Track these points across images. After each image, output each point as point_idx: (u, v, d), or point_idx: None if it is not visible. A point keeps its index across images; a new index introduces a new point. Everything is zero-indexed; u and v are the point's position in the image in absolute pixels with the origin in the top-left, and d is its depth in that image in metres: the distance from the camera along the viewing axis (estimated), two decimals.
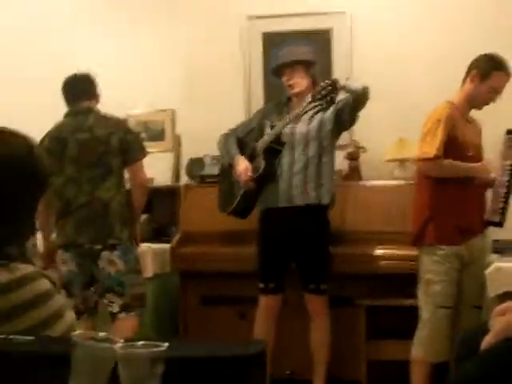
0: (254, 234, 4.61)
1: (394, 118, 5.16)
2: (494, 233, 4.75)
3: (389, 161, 5.14)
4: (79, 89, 4.56)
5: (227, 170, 4.67)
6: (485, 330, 3.13)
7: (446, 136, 4.09)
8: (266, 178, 4.44)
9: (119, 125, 4.53)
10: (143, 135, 5.73)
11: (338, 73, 5.39)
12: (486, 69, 4.17)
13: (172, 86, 5.74)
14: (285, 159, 4.46)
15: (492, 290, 4.22)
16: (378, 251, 4.72)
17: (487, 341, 3.03)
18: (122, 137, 4.42)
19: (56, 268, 4.52)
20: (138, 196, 4.53)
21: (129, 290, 4.41)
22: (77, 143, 4.42)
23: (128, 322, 4.44)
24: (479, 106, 4.29)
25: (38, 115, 5.27)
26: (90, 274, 4.47)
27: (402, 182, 5.00)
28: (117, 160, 4.42)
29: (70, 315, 1.93)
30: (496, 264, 4.31)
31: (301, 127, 4.49)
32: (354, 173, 5.24)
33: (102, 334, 1.46)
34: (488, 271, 4.28)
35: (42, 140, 4.39)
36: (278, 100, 4.79)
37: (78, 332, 1.51)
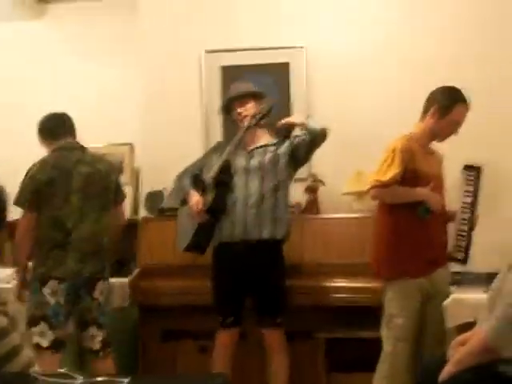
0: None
1: (351, 151, 5.19)
2: (451, 265, 4.80)
3: (346, 194, 5.16)
4: (67, 125, 4.63)
5: (181, 208, 4.65)
6: (443, 361, 3.15)
7: (402, 166, 4.10)
8: (216, 210, 4.41)
9: (113, 165, 4.79)
10: None
11: (297, 105, 5.45)
12: (447, 103, 4.20)
13: (131, 119, 5.73)
14: (239, 191, 4.44)
15: (451, 321, 4.24)
16: (337, 284, 4.73)
17: (447, 371, 3.05)
18: (117, 177, 4.66)
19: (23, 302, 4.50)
20: (118, 234, 4.68)
21: (107, 322, 4.51)
22: (81, 175, 4.46)
23: (108, 361, 4.51)
24: (441, 139, 4.32)
25: None
26: (73, 306, 4.44)
27: (360, 215, 5.03)
28: (111, 197, 4.56)
29: (27, 352, 1.90)
30: (454, 295, 4.34)
31: (255, 160, 4.49)
32: (313, 206, 5.26)
33: (61, 370, 1.44)
34: (446, 302, 4.30)
35: (40, 169, 4.40)
36: (229, 138, 4.77)
37: (36, 369, 1.49)
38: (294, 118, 4.62)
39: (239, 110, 4.51)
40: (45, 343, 4.35)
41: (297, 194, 5.11)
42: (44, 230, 4.42)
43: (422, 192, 4.14)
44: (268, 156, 4.48)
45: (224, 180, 4.42)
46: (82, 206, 4.45)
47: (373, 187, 4.16)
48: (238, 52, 5.54)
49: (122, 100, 6.02)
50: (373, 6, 5.46)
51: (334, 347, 4.68)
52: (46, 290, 4.38)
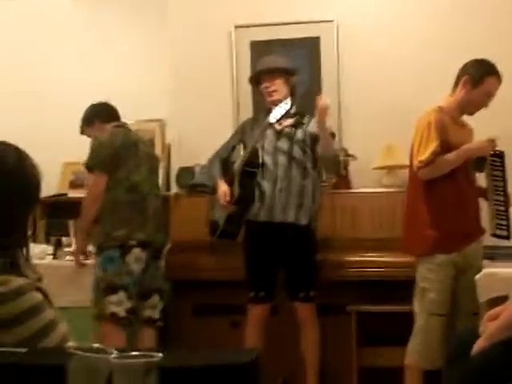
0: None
1: (382, 125, 5.17)
2: (485, 238, 4.78)
3: (376, 168, 5.15)
4: (117, 112, 4.89)
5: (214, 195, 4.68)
6: (476, 335, 3.15)
7: (439, 139, 4.10)
8: (244, 201, 4.44)
9: None
10: None
11: (327, 80, 5.43)
12: (478, 74, 4.19)
13: (161, 95, 5.73)
14: (267, 173, 4.47)
15: (482, 296, 4.23)
16: (368, 258, 4.73)
17: (479, 345, 3.05)
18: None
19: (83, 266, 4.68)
20: None
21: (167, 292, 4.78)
22: (143, 152, 4.70)
23: (156, 332, 4.69)
24: (472, 112, 4.30)
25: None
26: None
27: (390, 190, 5.02)
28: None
29: (62, 327, 1.93)
30: (486, 270, 4.32)
31: (283, 142, 4.51)
32: (344, 181, 5.25)
33: (96, 345, 1.46)
34: (478, 277, 4.29)
35: (113, 136, 4.58)
36: (254, 117, 4.85)
37: (71, 343, 1.51)
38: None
39: (267, 85, 4.51)
40: (122, 313, 4.42)
41: None
42: (120, 193, 4.51)
43: (465, 148, 4.16)
44: (296, 141, 4.50)
45: (251, 170, 4.45)
46: (151, 179, 4.68)
47: (419, 169, 4.15)
48: (267, 27, 5.51)
49: (153, 76, 6.02)
50: None
51: (365, 321, 4.68)
52: (130, 258, 4.44)
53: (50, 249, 5.11)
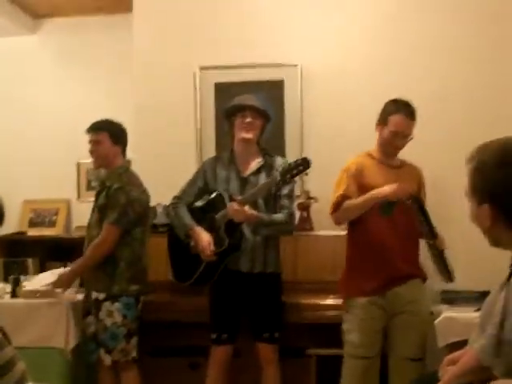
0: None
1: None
2: (441, 283, 4.80)
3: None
4: None
5: (179, 240, 4.61)
6: (434, 380, 3.15)
7: (352, 184, 4.23)
8: (229, 251, 4.38)
9: None
10: (94, 184, 5.86)
11: (290, 122, 5.47)
12: (384, 115, 4.29)
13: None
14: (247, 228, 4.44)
15: (441, 340, 4.25)
16: (329, 301, 4.72)
17: None
18: None
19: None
20: None
21: None
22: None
23: None
24: (391, 152, 4.35)
25: None
26: None
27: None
28: None
29: (21, 365, 1.90)
30: (445, 314, 4.35)
31: (250, 188, 4.46)
32: (306, 223, 5.27)
33: None
34: (437, 321, 4.31)
35: (140, 191, 4.72)
36: (216, 156, 4.80)
37: (30, 383, 1.49)
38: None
39: (249, 120, 4.44)
40: (136, 355, 4.66)
41: None
42: (137, 248, 4.65)
43: (373, 192, 4.16)
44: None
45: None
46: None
47: (331, 214, 4.31)
48: (232, 69, 5.55)
49: (116, 116, 6.01)
50: (366, 23, 5.49)
51: (325, 365, 4.67)
52: (139, 306, 4.66)
53: (8, 287, 5.04)
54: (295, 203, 4.63)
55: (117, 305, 4.55)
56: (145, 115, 5.67)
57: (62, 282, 4.76)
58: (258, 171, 4.49)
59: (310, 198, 5.27)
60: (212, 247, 4.36)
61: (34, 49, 6.39)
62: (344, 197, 4.24)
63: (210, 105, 5.59)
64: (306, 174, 4.29)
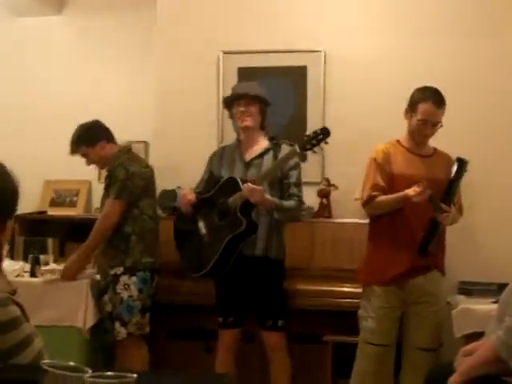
0: None
1: (366, 155, 5.19)
2: (460, 274, 4.79)
3: (358, 199, 5.15)
4: None
5: (184, 231, 4.65)
6: (450, 371, 3.15)
7: (380, 174, 4.24)
8: (247, 233, 4.34)
9: None
10: None
11: (312, 109, 5.46)
12: (412, 103, 4.28)
13: (146, 117, 5.75)
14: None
15: (458, 331, 4.24)
16: (346, 289, 4.73)
17: (453, 380, 3.05)
18: None
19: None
20: None
21: None
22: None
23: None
24: (421, 140, 4.33)
25: None
26: None
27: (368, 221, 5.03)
28: None
29: (38, 343, 1.91)
30: (462, 305, 4.34)
31: (252, 172, 4.49)
32: (325, 210, 5.26)
33: (71, 363, 1.45)
34: (454, 312, 4.31)
35: (141, 165, 4.84)
36: (223, 146, 4.86)
37: (47, 360, 1.50)
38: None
39: (243, 109, 4.51)
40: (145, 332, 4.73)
41: (309, 197, 5.11)
42: (146, 221, 4.75)
43: (398, 196, 4.16)
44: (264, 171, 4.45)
45: (251, 203, 4.32)
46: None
47: (363, 207, 4.35)
48: (255, 54, 5.54)
49: (139, 98, 6.04)
50: (391, 10, 5.46)
51: (341, 352, 4.68)
52: (154, 283, 4.75)
53: (27, 266, 5.07)
54: (303, 191, 4.56)
55: (134, 279, 4.64)
56: (166, 99, 5.68)
57: (71, 270, 4.80)
58: (260, 155, 4.51)
59: (330, 185, 5.25)
60: (190, 196, 4.50)
61: (58, 29, 6.40)
62: (375, 190, 4.24)
63: None
64: (326, 143, 4.25)
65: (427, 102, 4.20)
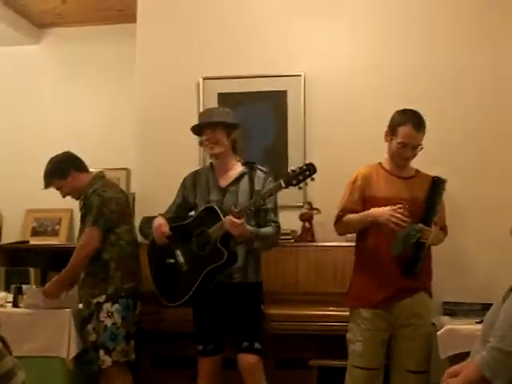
0: None
1: (347, 179, 5.21)
2: (443, 295, 4.80)
3: None
4: None
5: (158, 257, 4.57)
6: None
7: (357, 195, 4.28)
8: (228, 264, 4.26)
9: None
10: None
11: (293, 133, 5.48)
12: (391, 126, 4.29)
13: (128, 145, 5.75)
14: None
15: (443, 352, 4.24)
16: (331, 312, 4.72)
17: None
18: None
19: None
20: None
21: None
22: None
23: None
24: (400, 162, 4.32)
25: None
26: None
27: (353, 244, 5.02)
28: None
29: (20, 376, 1.90)
30: (447, 326, 4.34)
31: (228, 199, 4.42)
32: (308, 234, 5.26)
33: None
34: (439, 333, 4.30)
35: (115, 191, 4.85)
36: (196, 170, 4.75)
37: None
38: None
39: (207, 137, 4.47)
40: (131, 358, 4.71)
41: (292, 221, 5.12)
42: (124, 247, 4.75)
43: (367, 213, 4.20)
44: (244, 197, 4.39)
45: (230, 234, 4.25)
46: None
47: (334, 224, 4.37)
48: (235, 79, 5.56)
49: (120, 125, 6.06)
50: (370, 33, 5.50)
51: (327, 376, 4.66)
52: (137, 309, 4.75)
53: (9, 297, 5.04)
54: (279, 216, 4.49)
55: (116, 306, 4.63)
56: (148, 125, 5.68)
57: (49, 294, 4.79)
58: (236, 180, 4.44)
59: (313, 208, 5.26)
60: (164, 228, 4.44)
61: (37, 58, 6.41)
62: (345, 210, 4.29)
63: None
64: (313, 180, 4.16)
65: (406, 126, 4.20)
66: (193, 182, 4.62)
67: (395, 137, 4.24)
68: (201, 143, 4.68)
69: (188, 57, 5.66)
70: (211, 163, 4.63)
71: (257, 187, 4.39)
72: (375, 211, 4.16)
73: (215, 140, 4.44)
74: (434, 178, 4.22)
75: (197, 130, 4.60)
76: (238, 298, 4.35)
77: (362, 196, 4.28)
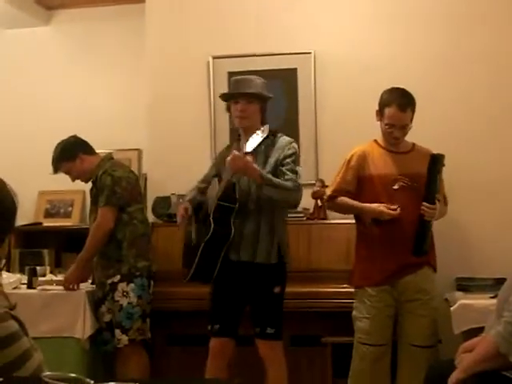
0: None
1: None
2: (457, 270, 4.79)
3: None
4: None
5: (187, 235, 4.40)
6: (451, 368, 3.14)
7: (352, 175, 4.29)
8: (217, 239, 4.10)
9: None
10: None
11: (304, 111, 5.47)
12: (380, 106, 4.30)
13: (139, 125, 5.75)
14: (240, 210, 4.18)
15: (457, 327, 4.24)
16: (344, 289, 4.72)
17: (455, 377, 3.05)
18: None
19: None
20: None
21: None
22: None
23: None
24: (391, 141, 4.33)
25: None
26: None
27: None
28: None
29: (38, 356, 1.91)
30: (461, 301, 4.34)
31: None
32: (320, 211, 5.26)
33: (72, 375, 1.45)
34: (453, 308, 4.31)
35: (125, 170, 4.88)
36: (228, 144, 4.64)
37: (47, 373, 1.49)
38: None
39: (242, 108, 4.24)
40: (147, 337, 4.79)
41: (304, 199, 5.10)
42: (137, 226, 4.78)
43: (362, 208, 4.25)
44: (259, 162, 4.20)
45: (227, 205, 4.11)
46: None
47: (326, 201, 4.47)
48: (245, 58, 5.55)
49: (130, 106, 6.05)
50: (381, 11, 5.47)
51: (340, 353, 4.67)
52: (151, 288, 4.79)
53: (24, 278, 5.07)
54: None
55: (132, 285, 4.67)
56: (158, 105, 5.68)
57: (70, 281, 4.81)
58: (258, 145, 4.09)
59: (324, 186, 5.25)
60: (187, 212, 4.26)
61: (47, 40, 6.40)
62: (338, 191, 4.32)
63: None
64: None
65: (392, 107, 4.20)
66: (224, 153, 4.38)
67: (383, 118, 4.24)
68: (228, 109, 4.41)
69: (198, 36, 5.64)
70: (239, 135, 4.41)
71: (277, 150, 4.23)
72: (367, 207, 4.22)
73: (248, 113, 4.24)
74: (432, 155, 4.21)
75: (228, 96, 4.40)
76: (249, 278, 4.20)
77: (357, 176, 4.30)
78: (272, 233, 4.23)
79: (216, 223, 4.07)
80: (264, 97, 4.33)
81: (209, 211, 4.15)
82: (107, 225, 4.68)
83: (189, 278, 4.23)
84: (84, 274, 4.87)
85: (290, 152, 4.22)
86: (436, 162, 4.18)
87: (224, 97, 4.45)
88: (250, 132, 4.18)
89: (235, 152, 3.99)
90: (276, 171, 4.17)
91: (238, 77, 4.47)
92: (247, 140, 4.09)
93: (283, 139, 4.31)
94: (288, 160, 4.19)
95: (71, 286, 4.79)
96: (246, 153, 3.98)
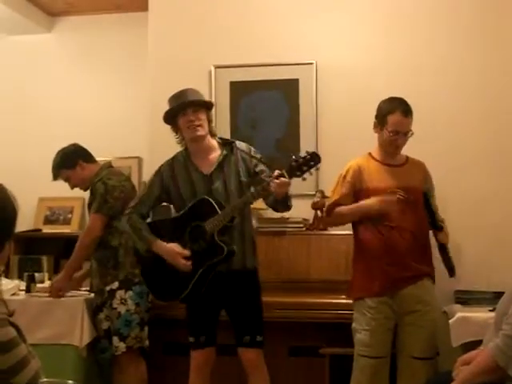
0: None
1: None
2: (455, 283, 4.79)
3: None
4: None
5: (147, 257, 4.25)
6: (449, 380, 3.14)
7: (348, 189, 4.29)
8: (227, 258, 4.04)
9: None
10: None
11: (305, 122, 5.47)
12: (380, 116, 4.29)
13: (140, 133, 5.75)
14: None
15: (455, 340, 4.24)
16: (342, 300, 4.72)
17: None
18: None
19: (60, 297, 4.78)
20: None
21: None
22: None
23: None
24: (392, 150, 4.33)
25: None
26: None
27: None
28: None
29: (35, 363, 1.91)
30: (459, 314, 4.33)
31: (217, 185, 4.16)
32: (319, 222, 5.26)
33: (69, 382, 1.44)
34: (451, 321, 4.30)
35: (120, 179, 4.85)
36: (171, 158, 4.40)
37: (44, 380, 1.49)
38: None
39: (192, 118, 4.13)
40: (145, 345, 4.77)
41: (304, 210, 5.11)
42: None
43: (359, 205, 4.24)
44: (232, 181, 4.17)
45: (227, 226, 4.04)
46: None
47: (323, 217, 4.46)
48: (247, 67, 5.56)
49: (132, 114, 6.06)
50: (382, 21, 5.50)
51: (338, 364, 4.67)
52: (149, 296, 4.73)
53: (22, 285, 5.06)
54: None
55: (130, 293, 4.67)
56: (159, 114, 5.65)
57: (57, 288, 4.80)
58: (220, 166, 4.16)
59: (324, 197, 5.25)
60: (189, 262, 4.05)
61: (49, 46, 6.42)
62: (336, 204, 4.31)
63: (226, 103, 5.60)
64: (317, 169, 3.93)
65: (396, 113, 4.21)
66: (171, 170, 4.29)
67: (385, 126, 4.24)
68: (175, 130, 4.31)
69: (200, 45, 5.66)
70: (185, 149, 4.31)
71: (242, 169, 4.18)
72: (365, 203, 4.21)
73: (199, 121, 4.14)
74: (424, 193, 4.29)
75: (170, 116, 4.30)
76: (236, 286, 4.14)
77: (353, 190, 4.30)
78: (251, 237, 4.24)
79: (225, 243, 4.02)
80: (208, 103, 4.33)
81: (208, 233, 4.01)
82: (94, 232, 4.70)
83: (180, 300, 4.19)
84: (69, 281, 4.86)
85: (258, 158, 4.23)
86: (428, 197, 4.30)
87: (165, 117, 4.34)
88: (202, 147, 4.21)
89: (283, 180, 3.82)
90: (254, 176, 4.18)
91: (175, 92, 4.34)
92: (200, 157, 4.20)
93: (242, 154, 4.24)
94: (260, 158, 4.23)
95: (60, 293, 4.79)
96: (281, 175, 3.85)
